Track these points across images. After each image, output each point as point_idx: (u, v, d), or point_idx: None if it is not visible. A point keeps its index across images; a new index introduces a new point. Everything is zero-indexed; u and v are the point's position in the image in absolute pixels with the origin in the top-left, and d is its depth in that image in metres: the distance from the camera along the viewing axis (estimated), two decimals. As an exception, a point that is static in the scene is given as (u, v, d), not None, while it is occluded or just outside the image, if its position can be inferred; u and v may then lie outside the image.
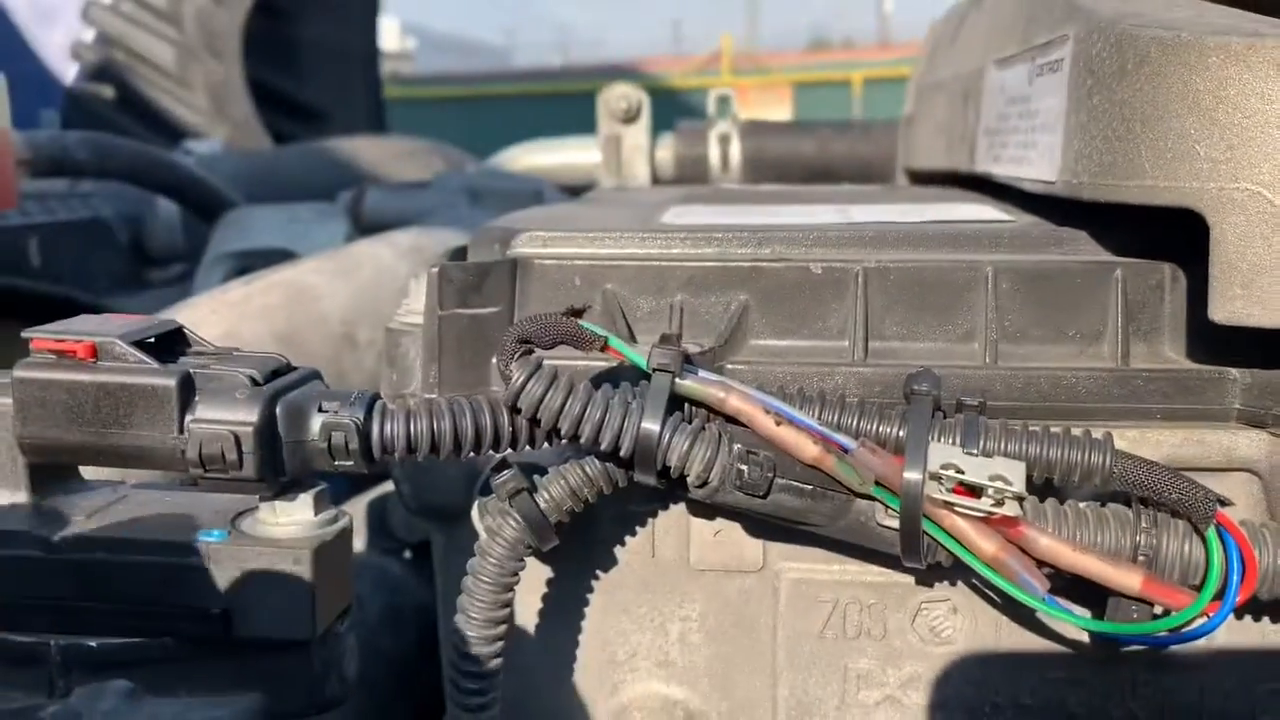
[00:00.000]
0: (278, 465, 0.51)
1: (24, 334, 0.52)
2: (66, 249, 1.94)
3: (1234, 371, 0.61)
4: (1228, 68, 0.54)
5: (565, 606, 0.69)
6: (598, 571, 0.68)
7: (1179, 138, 0.56)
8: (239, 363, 0.52)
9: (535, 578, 0.67)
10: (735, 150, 1.58)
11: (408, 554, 0.86)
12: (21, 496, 0.54)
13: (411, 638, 0.80)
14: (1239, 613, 0.63)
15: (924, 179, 1.28)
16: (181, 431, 0.50)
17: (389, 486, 0.91)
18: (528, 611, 0.68)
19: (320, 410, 0.52)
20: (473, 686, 0.60)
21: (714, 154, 1.60)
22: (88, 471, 0.58)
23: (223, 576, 0.51)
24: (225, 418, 0.49)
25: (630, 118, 1.56)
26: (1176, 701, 0.65)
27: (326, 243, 1.20)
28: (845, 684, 0.67)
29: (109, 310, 1.42)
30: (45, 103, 2.96)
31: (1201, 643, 0.64)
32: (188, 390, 0.50)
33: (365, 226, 1.36)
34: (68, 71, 3.34)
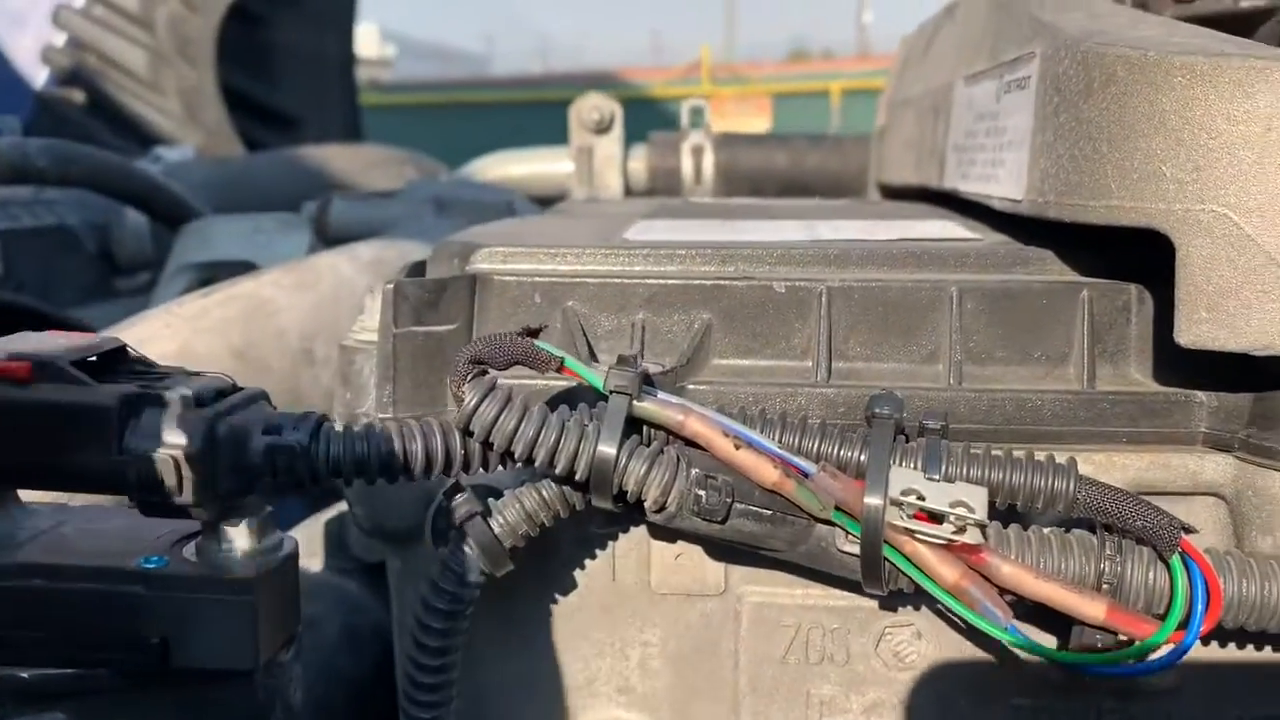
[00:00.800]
0: (219, 489, 0.49)
1: (-42, 354, 0.50)
2: (30, 257, 1.90)
3: (1200, 395, 0.60)
4: (1194, 87, 0.53)
5: (524, 631, 0.67)
6: (557, 595, 0.67)
7: (1145, 158, 0.55)
8: (182, 383, 0.51)
9: (493, 601, 0.66)
10: (708, 162, 1.57)
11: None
12: (-46, 521, 0.52)
13: (370, 658, 0.79)
14: (1205, 640, 0.62)
15: (895, 193, 1.27)
16: (121, 454, 0.48)
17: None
18: (486, 636, 0.67)
19: (265, 433, 0.50)
20: (425, 716, 0.58)
21: (687, 166, 1.59)
22: (34, 494, 0.56)
23: (161, 605, 0.49)
24: (166, 440, 0.48)
25: (603, 128, 1.55)
26: (1142, 729, 0.64)
27: (290, 254, 1.18)
28: (808, 710, 0.66)
29: (73, 321, 1.40)
30: (14, 108, 2.92)
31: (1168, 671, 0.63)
32: (128, 411, 0.49)
33: (330, 237, 1.34)
34: (38, 76, 3.30)
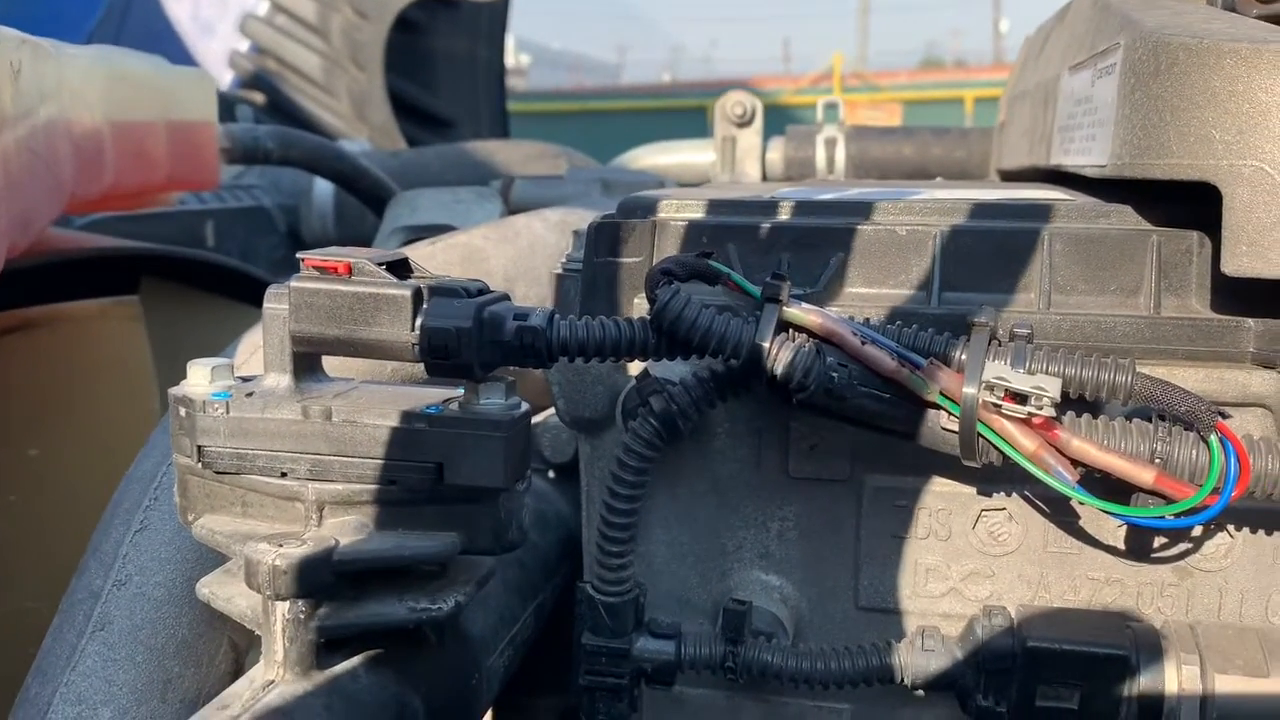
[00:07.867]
0: (483, 358, 0.67)
1: (298, 255, 0.69)
2: (234, 232, 2.18)
3: (1249, 321, 0.73)
4: (1238, 68, 0.67)
5: (685, 506, 0.84)
6: (713, 477, 0.83)
7: (1199, 124, 0.69)
8: (453, 282, 0.69)
9: (662, 481, 0.83)
10: (840, 152, 1.72)
11: (551, 474, 1.03)
12: (287, 378, 0.71)
13: (553, 537, 0.97)
14: (1250, 524, 0.75)
15: (1012, 177, 1.41)
16: (413, 330, 0.67)
17: (534, 419, 1.08)
18: (656, 509, 0.84)
19: (514, 318, 0.68)
20: (615, 550, 0.76)
21: (820, 155, 1.74)
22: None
23: (438, 439, 0.67)
24: (448, 319, 0.66)
25: (744, 122, 1.72)
26: (1199, 600, 0.77)
27: (484, 219, 1.38)
28: (915, 576, 0.81)
29: (273, 283, 1.63)
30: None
31: (1219, 552, 0.77)
32: (419, 299, 0.67)
33: (513, 210, 1.54)
34: (224, 78, 3.63)
